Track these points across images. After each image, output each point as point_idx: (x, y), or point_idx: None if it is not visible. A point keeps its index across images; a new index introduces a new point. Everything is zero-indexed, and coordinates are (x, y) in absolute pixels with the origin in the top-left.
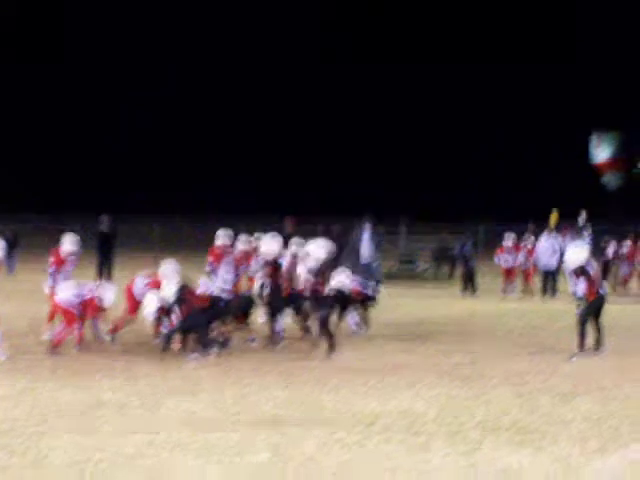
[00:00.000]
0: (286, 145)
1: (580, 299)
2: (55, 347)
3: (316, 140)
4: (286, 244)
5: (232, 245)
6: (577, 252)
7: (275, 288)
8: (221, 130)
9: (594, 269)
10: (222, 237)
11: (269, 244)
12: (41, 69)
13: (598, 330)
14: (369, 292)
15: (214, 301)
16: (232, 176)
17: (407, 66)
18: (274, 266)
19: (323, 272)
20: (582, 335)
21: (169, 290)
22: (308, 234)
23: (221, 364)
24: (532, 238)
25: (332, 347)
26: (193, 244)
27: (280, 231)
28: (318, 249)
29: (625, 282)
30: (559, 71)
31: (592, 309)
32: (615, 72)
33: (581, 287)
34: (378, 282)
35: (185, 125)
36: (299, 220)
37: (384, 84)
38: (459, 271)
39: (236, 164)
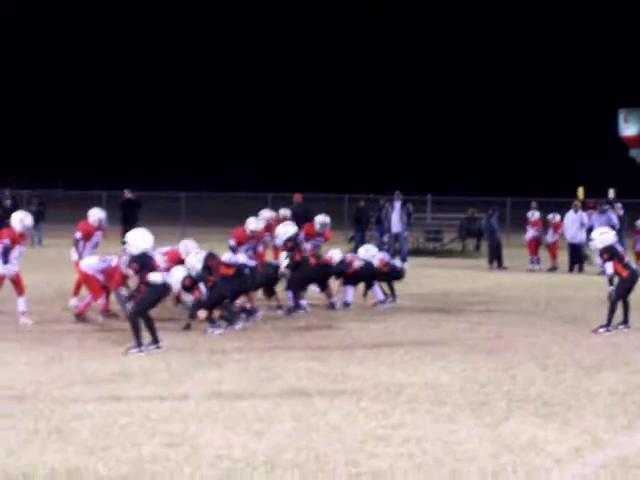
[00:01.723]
0: (316, 131)
1: (612, 278)
2: (80, 315)
3: (346, 122)
4: (295, 217)
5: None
6: (603, 233)
7: (296, 263)
8: (256, 118)
9: (623, 247)
10: (254, 223)
11: (285, 226)
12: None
13: (626, 306)
14: (396, 265)
15: (240, 269)
16: (262, 157)
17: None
18: (294, 241)
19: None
20: (613, 311)
21: (196, 258)
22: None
23: (247, 335)
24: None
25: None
26: (218, 218)
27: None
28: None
29: None
30: (588, 49)
31: (627, 286)
32: None
33: (609, 266)
34: (405, 256)
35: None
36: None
37: (410, 67)
38: (485, 244)
39: (267, 146)
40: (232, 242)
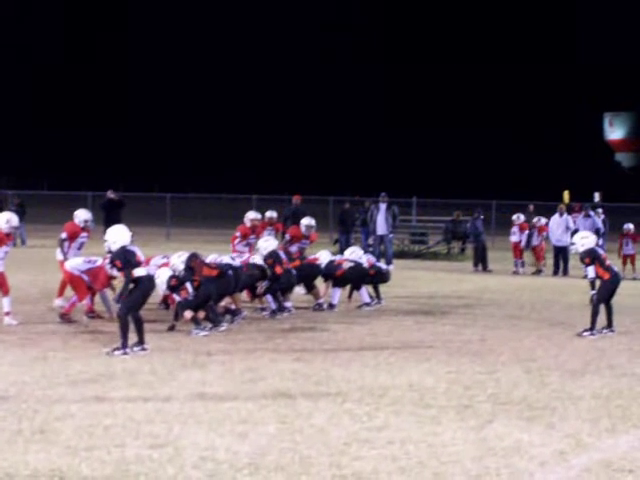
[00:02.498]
0: (301, 133)
1: (593, 281)
2: (65, 315)
3: (331, 124)
4: (294, 218)
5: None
6: (584, 237)
7: (277, 276)
8: (248, 121)
9: (604, 251)
10: (251, 220)
11: (266, 241)
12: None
13: (609, 310)
14: (382, 268)
15: (223, 271)
16: (252, 159)
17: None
18: (273, 258)
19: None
20: (596, 314)
21: (179, 259)
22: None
23: (231, 337)
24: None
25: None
26: (203, 219)
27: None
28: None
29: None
30: (574, 53)
31: (609, 289)
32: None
33: (591, 270)
34: (390, 258)
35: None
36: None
37: (397, 69)
38: (470, 247)
39: (253, 148)
40: (238, 233)
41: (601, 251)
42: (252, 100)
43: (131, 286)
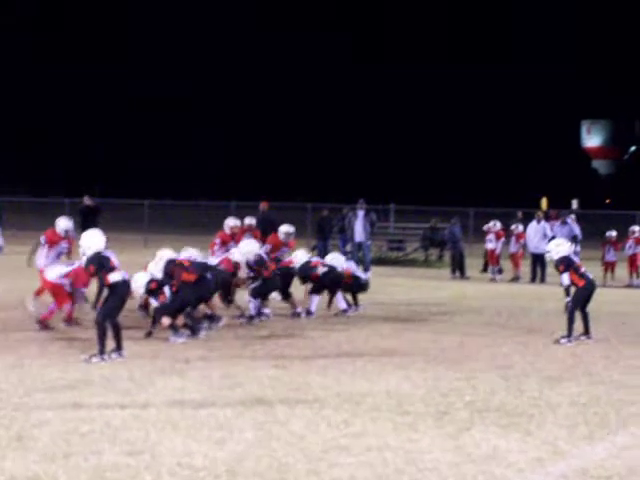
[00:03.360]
0: (282, 140)
1: (568, 288)
2: (43, 322)
3: (308, 131)
4: (262, 224)
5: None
6: (559, 245)
7: (264, 279)
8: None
9: (577, 257)
10: (230, 227)
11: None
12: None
13: (585, 316)
14: (361, 275)
15: (202, 275)
16: (230, 165)
17: (397, 60)
18: (259, 263)
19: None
20: (572, 321)
21: (157, 266)
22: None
23: (209, 344)
24: (520, 224)
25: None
26: (181, 226)
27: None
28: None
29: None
30: (552, 61)
31: (584, 296)
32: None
33: (565, 277)
34: (368, 265)
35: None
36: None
37: (371, 76)
38: (448, 254)
39: (235, 155)
40: (217, 240)
41: (576, 258)
42: (231, 107)
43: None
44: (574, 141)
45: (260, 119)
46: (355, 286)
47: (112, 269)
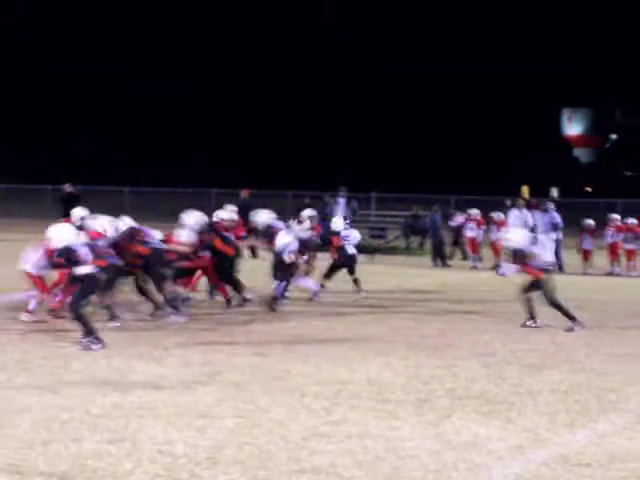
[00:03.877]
0: (263, 127)
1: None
2: (53, 311)
3: (291, 119)
4: (241, 212)
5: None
6: (515, 233)
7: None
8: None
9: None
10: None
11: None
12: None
13: (530, 302)
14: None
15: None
16: (211, 152)
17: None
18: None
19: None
20: (562, 307)
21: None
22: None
23: (189, 331)
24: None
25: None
26: (162, 213)
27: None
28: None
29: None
30: (531, 49)
31: (550, 284)
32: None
33: (512, 267)
34: None
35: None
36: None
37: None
38: (429, 242)
39: (212, 142)
40: None
41: (534, 248)
42: (211, 93)
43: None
44: (555, 129)
45: (243, 107)
46: (343, 259)
47: (79, 262)
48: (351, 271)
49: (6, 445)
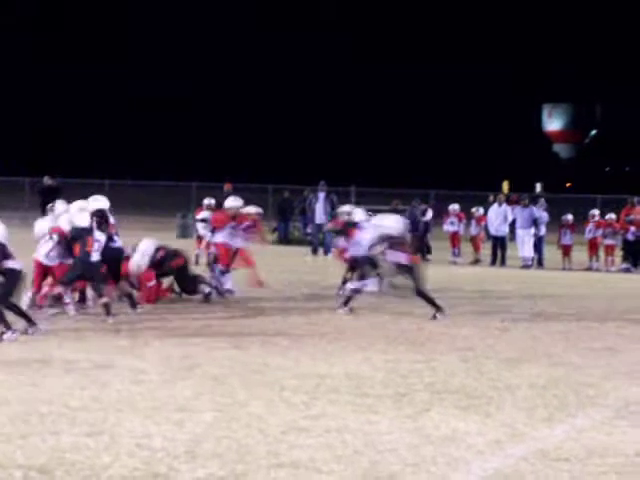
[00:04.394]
0: (243, 121)
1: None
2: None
3: (272, 114)
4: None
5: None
6: (393, 221)
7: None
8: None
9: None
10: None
11: None
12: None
13: (426, 295)
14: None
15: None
16: (192, 146)
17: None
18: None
19: None
20: (425, 296)
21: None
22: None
23: (167, 323)
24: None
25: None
26: (142, 207)
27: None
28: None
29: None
30: (512, 45)
31: (421, 272)
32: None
33: (398, 256)
34: (328, 247)
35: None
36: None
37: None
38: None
39: (193, 136)
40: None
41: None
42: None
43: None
44: (535, 125)
45: (223, 101)
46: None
47: (8, 257)
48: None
49: None
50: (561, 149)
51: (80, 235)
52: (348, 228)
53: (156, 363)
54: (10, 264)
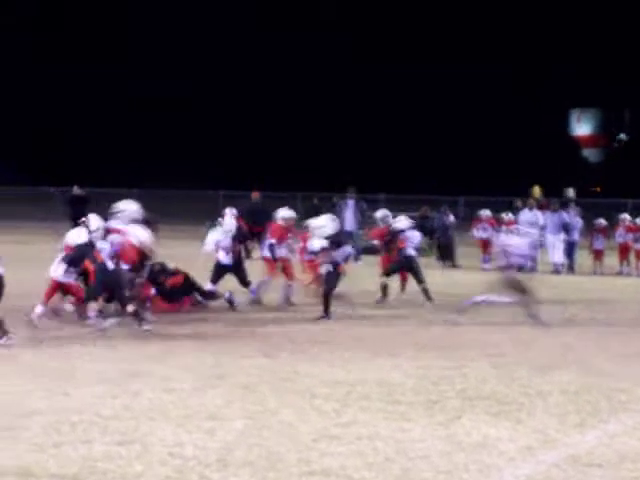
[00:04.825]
0: (271, 128)
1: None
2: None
3: (298, 121)
4: (252, 215)
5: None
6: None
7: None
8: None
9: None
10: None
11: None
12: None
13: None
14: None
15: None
16: (219, 153)
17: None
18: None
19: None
20: (327, 299)
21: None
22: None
23: (198, 333)
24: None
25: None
26: (169, 216)
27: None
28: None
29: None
30: (539, 49)
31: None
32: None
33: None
34: (358, 254)
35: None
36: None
37: (372, 75)
38: (438, 242)
39: (224, 143)
40: (272, 240)
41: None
42: (211, 93)
43: None
44: (563, 130)
45: (251, 107)
46: (402, 260)
47: None
48: (414, 273)
49: (17, 448)
50: (590, 154)
51: (84, 252)
52: (395, 236)
53: (186, 371)
54: None
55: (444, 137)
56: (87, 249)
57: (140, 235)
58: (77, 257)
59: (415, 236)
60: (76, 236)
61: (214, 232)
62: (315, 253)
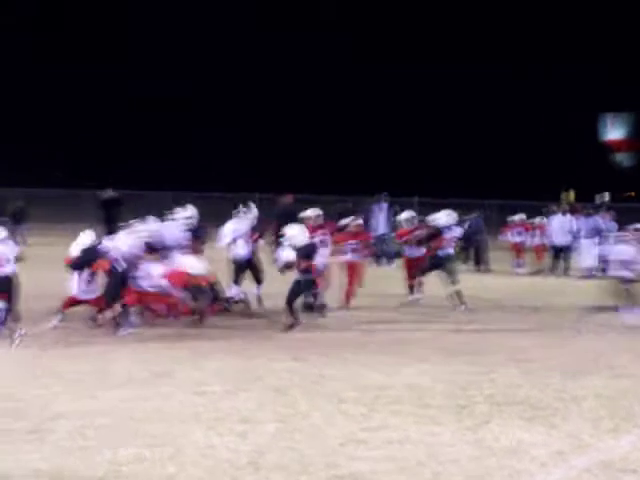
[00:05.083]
0: (303, 133)
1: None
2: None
3: (326, 125)
4: (285, 218)
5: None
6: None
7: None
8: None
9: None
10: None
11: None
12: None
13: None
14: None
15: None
16: (253, 158)
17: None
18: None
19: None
20: (290, 306)
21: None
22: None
23: (227, 336)
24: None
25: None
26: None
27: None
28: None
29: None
30: (572, 53)
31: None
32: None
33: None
34: (390, 257)
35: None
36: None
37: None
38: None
39: (254, 145)
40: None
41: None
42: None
43: None
44: (594, 134)
45: (255, 113)
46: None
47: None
48: (449, 273)
49: (46, 450)
50: (623, 158)
51: (91, 257)
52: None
53: (217, 374)
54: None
55: (476, 143)
56: (96, 254)
57: (195, 266)
58: (82, 261)
59: (457, 231)
60: (80, 242)
61: (230, 224)
62: (285, 264)
